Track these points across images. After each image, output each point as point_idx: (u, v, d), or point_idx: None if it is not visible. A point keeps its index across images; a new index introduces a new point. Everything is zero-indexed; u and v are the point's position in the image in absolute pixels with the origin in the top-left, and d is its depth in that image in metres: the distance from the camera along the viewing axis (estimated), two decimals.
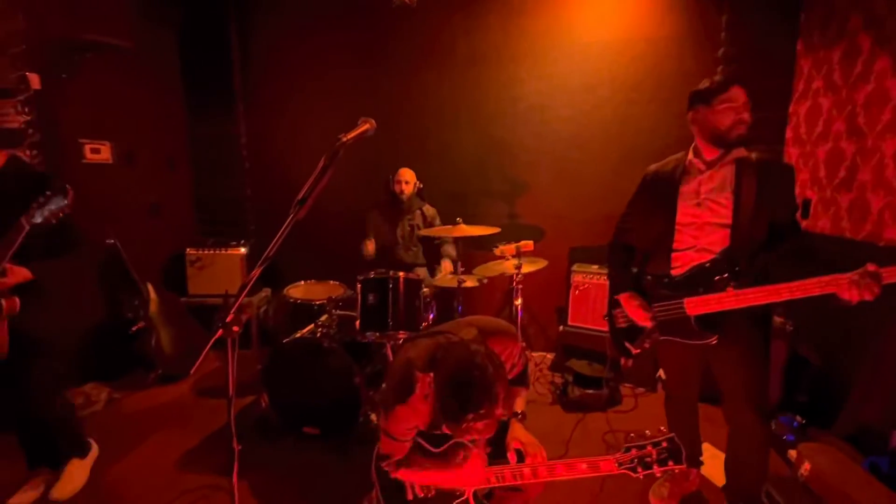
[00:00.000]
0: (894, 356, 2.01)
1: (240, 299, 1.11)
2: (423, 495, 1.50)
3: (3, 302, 1.75)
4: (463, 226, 2.56)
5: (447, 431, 1.30)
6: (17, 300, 1.79)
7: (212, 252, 3.47)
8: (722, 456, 2.16)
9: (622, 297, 1.76)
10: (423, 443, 1.47)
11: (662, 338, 1.66)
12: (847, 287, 1.27)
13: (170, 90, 3.65)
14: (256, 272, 1.14)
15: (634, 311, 1.70)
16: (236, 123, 3.79)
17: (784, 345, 2.45)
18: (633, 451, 1.20)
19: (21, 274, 1.74)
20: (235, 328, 1.11)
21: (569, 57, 3.25)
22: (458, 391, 1.16)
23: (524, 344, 3.05)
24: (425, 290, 2.55)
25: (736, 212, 1.52)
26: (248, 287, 1.12)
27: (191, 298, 3.46)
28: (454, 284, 2.66)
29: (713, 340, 1.54)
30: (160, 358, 2.97)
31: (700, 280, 1.54)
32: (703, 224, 1.58)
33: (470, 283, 2.70)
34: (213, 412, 2.69)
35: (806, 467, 1.83)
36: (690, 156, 1.64)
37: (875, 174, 2.26)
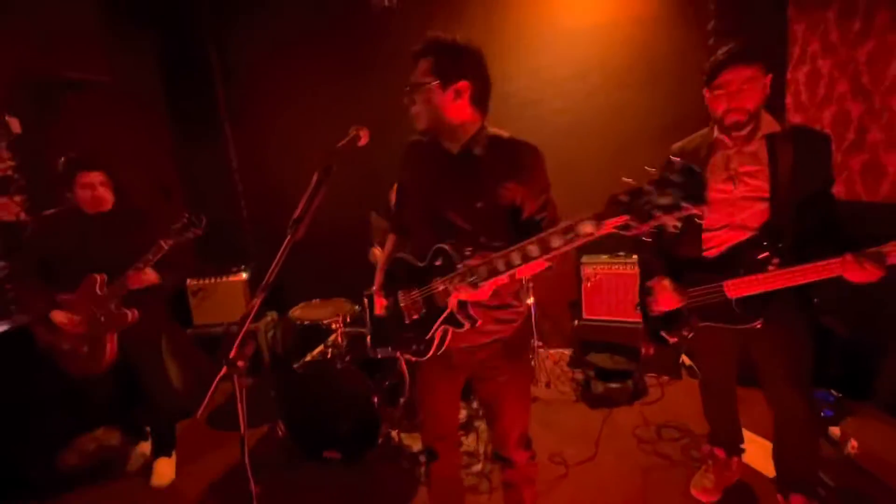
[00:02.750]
0: None
1: (241, 332, 1.03)
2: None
3: (128, 312, 2.09)
4: None
5: None
6: (137, 311, 2.11)
7: (213, 281, 3.40)
8: (761, 441, 2.09)
9: (654, 283, 1.67)
10: None
11: (702, 324, 1.57)
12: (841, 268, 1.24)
13: (155, 119, 3.59)
14: (257, 301, 1.06)
15: (666, 295, 1.61)
16: (225, 145, 3.72)
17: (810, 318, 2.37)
18: (623, 198, 0.85)
19: (148, 276, 2.06)
20: (240, 363, 1.03)
21: (555, 46, 3.18)
22: None
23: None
24: None
25: (774, 183, 1.44)
26: (250, 319, 1.04)
27: (197, 329, 3.39)
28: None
29: (758, 324, 1.45)
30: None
31: (739, 260, 1.47)
32: (736, 199, 1.51)
33: None
34: (231, 444, 2.61)
35: (853, 445, 1.74)
36: (717, 132, 1.56)
37: (887, 133, 2.18)
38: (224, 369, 1.01)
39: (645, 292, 1.72)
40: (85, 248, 2.08)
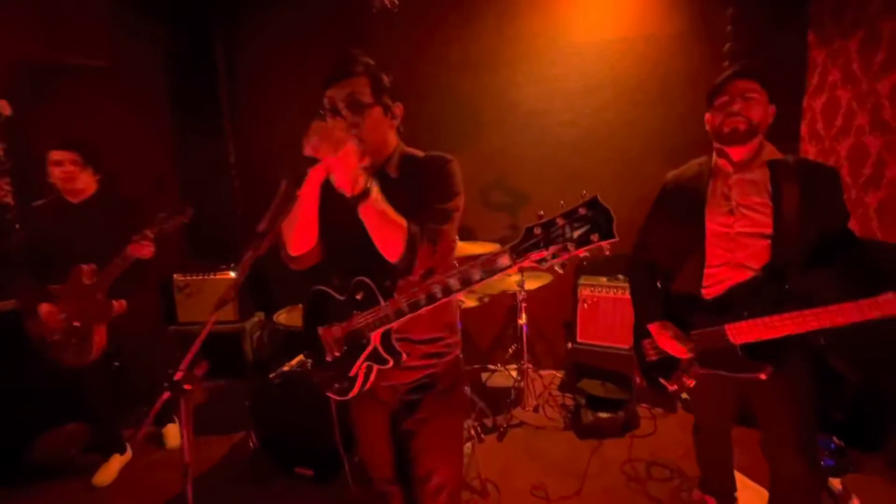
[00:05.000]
0: None
1: (191, 353, 0.94)
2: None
3: (115, 303, 2.06)
4: (459, 244, 2.39)
5: None
6: (125, 302, 2.10)
7: (200, 278, 3.32)
8: (755, 487, 1.97)
9: (653, 328, 1.55)
10: None
11: (703, 371, 1.46)
12: None
13: (155, 109, 3.52)
14: (212, 318, 0.97)
15: (669, 343, 1.49)
16: (224, 141, 3.65)
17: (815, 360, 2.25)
18: (536, 231, 0.87)
19: (149, 248, 2.02)
20: (188, 386, 0.94)
21: (567, 58, 3.10)
22: None
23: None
24: None
25: (777, 220, 1.34)
26: (202, 339, 0.95)
27: (180, 326, 3.30)
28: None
29: (763, 374, 1.34)
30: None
31: (742, 301, 1.36)
32: (736, 234, 1.40)
33: (469, 303, 2.52)
34: (203, 451, 2.51)
35: (855, 503, 1.62)
36: (716, 158, 1.47)
37: None
38: (166, 394, 0.92)
39: (640, 334, 1.61)
40: (71, 238, 2.06)
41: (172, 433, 2.55)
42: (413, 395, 1.25)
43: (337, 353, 1.22)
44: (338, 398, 1.23)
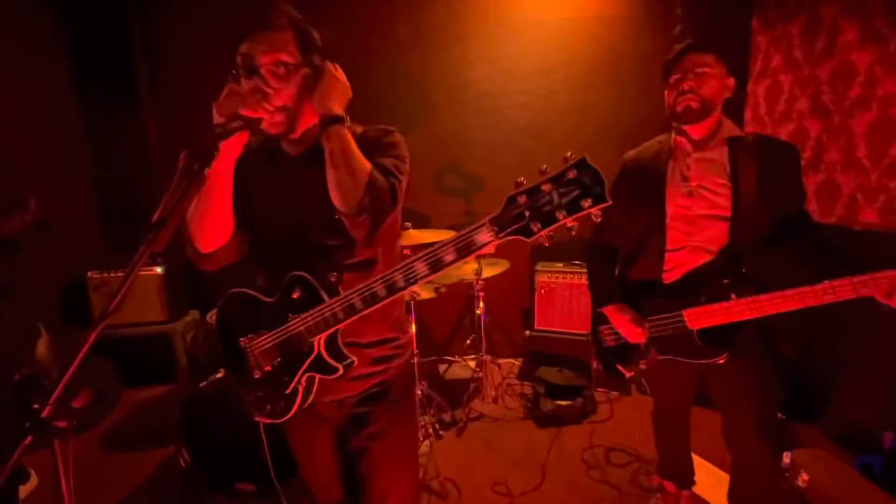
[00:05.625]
0: (887, 356, 1.90)
1: (64, 381, 0.73)
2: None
3: None
4: (412, 231, 2.23)
5: None
6: None
7: (119, 274, 2.94)
8: (711, 468, 2.00)
9: (609, 310, 1.49)
10: None
11: (660, 357, 1.41)
12: (888, 292, 1.07)
13: (53, 82, 3.04)
14: (92, 337, 0.76)
15: (625, 326, 1.44)
16: (142, 120, 3.23)
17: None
18: (520, 200, 0.76)
19: None
20: (61, 424, 0.73)
21: (520, 37, 2.98)
22: None
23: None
24: None
25: (735, 201, 1.29)
26: (76, 364, 0.74)
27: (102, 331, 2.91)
28: (407, 298, 2.33)
29: (721, 359, 1.31)
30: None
31: (700, 286, 1.31)
32: (695, 217, 1.35)
33: (425, 294, 2.38)
34: (128, 469, 2.22)
35: (804, 478, 1.67)
36: (674, 135, 1.40)
37: (844, 154, 2.15)
38: (28, 438, 0.70)
39: (598, 320, 1.55)
40: None
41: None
42: (361, 406, 1.09)
43: (268, 368, 1.03)
44: (270, 421, 1.05)
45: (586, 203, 0.73)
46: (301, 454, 1.20)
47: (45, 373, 2.46)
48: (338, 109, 0.93)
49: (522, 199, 0.76)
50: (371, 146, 0.99)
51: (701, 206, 1.35)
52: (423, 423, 2.35)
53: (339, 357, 0.98)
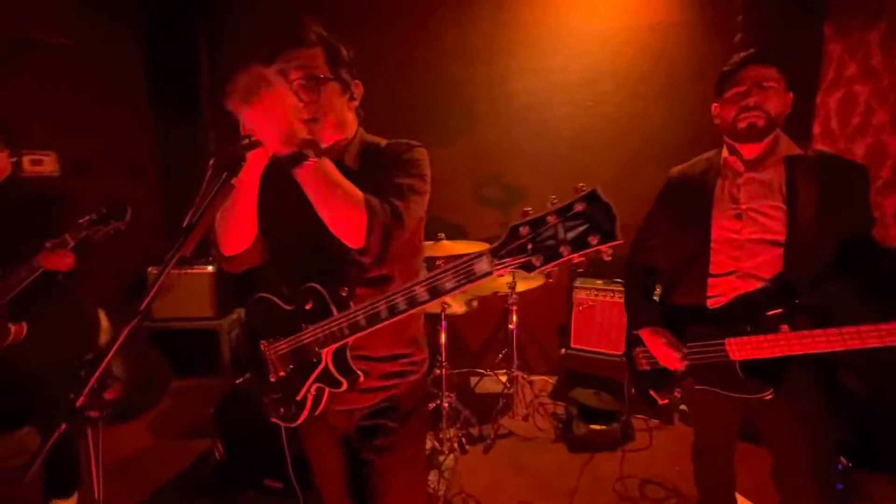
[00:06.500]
0: None
1: (95, 375, 0.78)
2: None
3: (12, 327, 1.63)
4: (445, 242, 2.22)
5: None
6: (25, 326, 1.66)
7: (176, 272, 3.14)
8: None
9: (645, 333, 1.40)
10: None
11: (698, 387, 1.31)
12: None
13: (131, 92, 3.33)
14: (127, 329, 0.80)
15: (661, 350, 1.35)
16: (203, 132, 3.46)
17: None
18: (522, 231, 0.72)
19: (66, 259, 1.60)
20: (94, 413, 0.77)
21: (566, 48, 2.93)
22: None
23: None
24: None
25: (791, 225, 1.18)
26: (109, 358, 0.78)
27: (154, 323, 3.13)
28: (437, 310, 2.32)
29: (767, 395, 1.19)
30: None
31: (746, 315, 1.20)
32: (744, 241, 1.24)
33: (457, 308, 2.36)
34: (169, 457, 2.35)
35: None
36: (725, 153, 1.31)
37: None
38: (63, 426, 0.75)
39: (633, 342, 1.46)
40: None
41: None
42: (370, 420, 1.09)
43: (282, 373, 1.05)
44: (283, 424, 1.07)
45: (594, 240, 0.68)
46: (313, 460, 1.22)
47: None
48: (291, 146, 0.84)
49: (525, 231, 0.72)
50: (391, 162, 1.00)
51: (751, 229, 1.25)
52: (448, 436, 2.32)
53: (346, 371, 0.98)
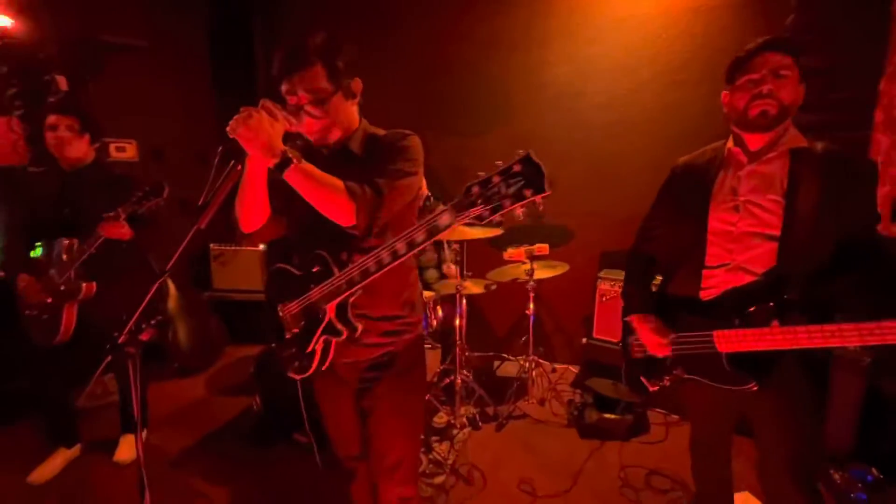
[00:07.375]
0: None
1: (135, 316, 0.98)
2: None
3: (83, 285, 1.94)
4: (461, 227, 2.32)
5: None
6: (95, 285, 1.97)
7: (233, 248, 3.52)
8: (755, 502, 1.79)
9: (634, 319, 1.45)
10: None
11: (687, 377, 1.34)
12: None
13: (198, 85, 3.71)
14: (155, 285, 1.01)
15: (647, 335, 1.39)
16: None
17: (859, 381, 1.99)
18: (474, 190, 0.89)
19: (121, 229, 1.86)
20: (131, 349, 0.99)
21: (603, 35, 2.88)
22: None
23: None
24: (427, 294, 2.39)
25: (788, 220, 1.16)
26: (146, 301, 0.99)
27: (214, 293, 3.53)
28: (451, 291, 2.44)
29: (751, 387, 1.20)
30: (176, 352, 3.04)
31: (735, 308, 1.21)
32: (740, 234, 1.24)
33: (474, 289, 2.47)
34: (219, 410, 2.69)
35: None
36: (730, 144, 1.30)
37: None
38: (108, 357, 0.97)
39: (628, 330, 1.50)
40: (59, 208, 1.95)
41: (126, 445, 2.26)
42: (371, 372, 1.27)
43: (295, 330, 1.23)
44: (297, 376, 1.26)
45: (528, 192, 0.84)
46: (324, 410, 1.40)
47: (171, 322, 3.07)
48: (275, 157, 1.01)
49: (476, 189, 0.89)
50: (387, 148, 1.16)
51: (748, 222, 1.24)
52: (462, 412, 2.45)
53: (347, 322, 1.15)
